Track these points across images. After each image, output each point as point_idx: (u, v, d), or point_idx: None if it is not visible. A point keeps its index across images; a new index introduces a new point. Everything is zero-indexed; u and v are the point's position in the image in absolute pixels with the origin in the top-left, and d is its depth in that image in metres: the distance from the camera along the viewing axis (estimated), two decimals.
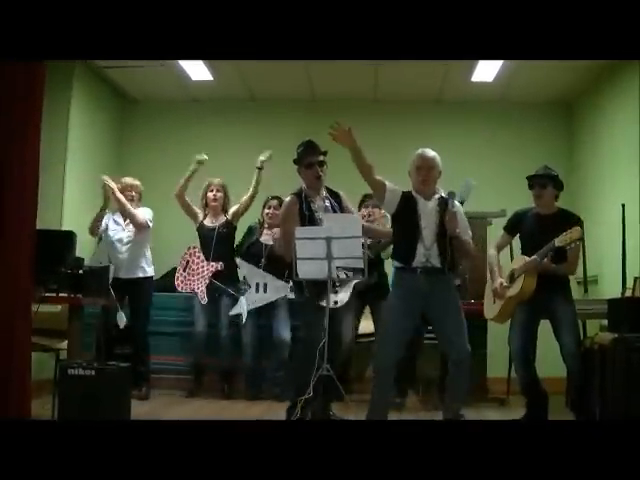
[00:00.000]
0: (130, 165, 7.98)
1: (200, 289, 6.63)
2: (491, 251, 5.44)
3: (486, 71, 7.17)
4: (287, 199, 5.23)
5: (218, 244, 6.71)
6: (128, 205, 6.44)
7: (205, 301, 6.61)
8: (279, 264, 6.01)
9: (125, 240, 6.53)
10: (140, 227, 6.50)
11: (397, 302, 4.64)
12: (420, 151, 4.71)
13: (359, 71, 7.29)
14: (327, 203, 5.15)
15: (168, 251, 7.19)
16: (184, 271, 6.72)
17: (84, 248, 6.23)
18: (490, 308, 5.45)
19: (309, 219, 5.03)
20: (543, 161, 5.39)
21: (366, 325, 6.55)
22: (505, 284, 5.20)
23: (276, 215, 6.55)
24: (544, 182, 5.16)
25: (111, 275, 5.93)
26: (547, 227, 5.03)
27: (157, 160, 8.10)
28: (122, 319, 5.94)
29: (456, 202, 4.65)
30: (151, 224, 6.59)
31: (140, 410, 5.40)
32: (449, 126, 8.10)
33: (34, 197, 4.22)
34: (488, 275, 5.43)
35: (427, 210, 4.61)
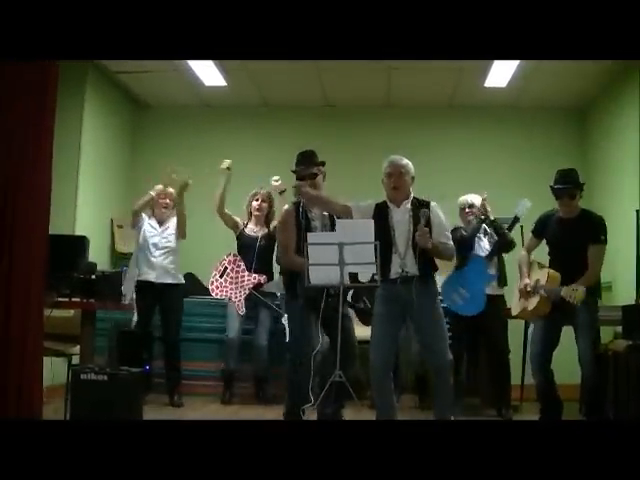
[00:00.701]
0: (143, 170, 7.98)
1: (238, 298, 6.56)
2: (522, 252, 5.49)
3: (499, 76, 7.14)
4: (283, 208, 5.34)
5: (260, 255, 6.63)
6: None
7: (243, 311, 6.54)
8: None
9: (160, 245, 6.50)
10: (184, 236, 6.56)
11: (382, 311, 4.64)
12: (390, 158, 4.72)
13: (372, 76, 7.29)
14: (325, 212, 5.16)
15: (181, 256, 7.20)
16: (220, 277, 6.63)
17: (96, 253, 6.25)
18: (516, 305, 5.47)
19: (305, 228, 5.04)
20: (555, 166, 5.34)
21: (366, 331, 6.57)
22: (529, 288, 5.20)
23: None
24: (574, 192, 5.10)
25: (135, 277, 6.03)
26: (570, 231, 5.02)
27: (170, 164, 8.10)
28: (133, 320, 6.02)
29: (437, 211, 4.66)
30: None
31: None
32: (462, 131, 8.08)
33: (47, 202, 4.23)
34: (517, 274, 5.44)
35: (399, 218, 4.62)
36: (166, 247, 6.51)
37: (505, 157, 8.02)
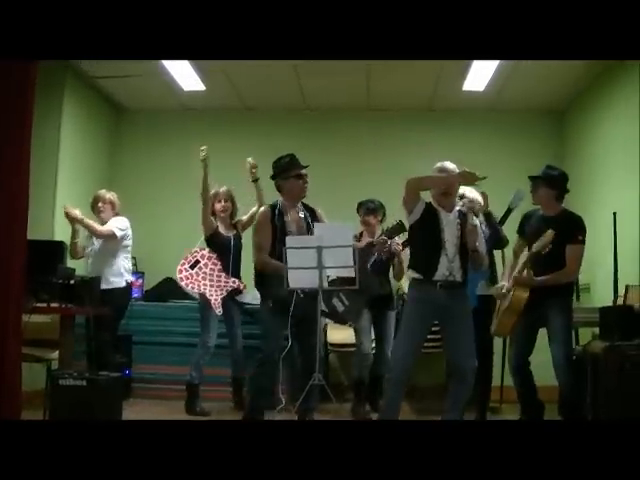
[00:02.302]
0: (122, 174, 7.98)
1: (215, 298, 6.34)
2: (511, 256, 5.47)
3: (477, 80, 7.18)
4: (260, 210, 5.40)
5: (235, 256, 6.47)
6: (87, 221, 6.13)
7: (220, 312, 6.33)
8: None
9: (93, 252, 6.28)
10: (102, 237, 6.18)
11: (415, 314, 4.60)
12: (441, 164, 4.73)
13: (351, 79, 7.31)
14: (302, 215, 5.21)
15: (160, 260, 7.19)
16: (191, 268, 6.39)
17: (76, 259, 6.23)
18: (493, 322, 5.41)
19: (280, 229, 5.10)
20: (534, 169, 5.39)
21: (347, 336, 6.57)
22: (504, 290, 5.19)
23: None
24: (536, 183, 5.19)
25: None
26: (550, 228, 4.97)
27: (149, 169, 8.11)
28: None
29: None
30: (121, 233, 6.23)
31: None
32: (441, 134, 8.10)
33: (25, 206, 4.19)
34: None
35: (449, 223, 4.60)
36: (96, 253, 6.29)
37: (484, 160, 8.00)
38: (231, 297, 6.42)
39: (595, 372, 5.01)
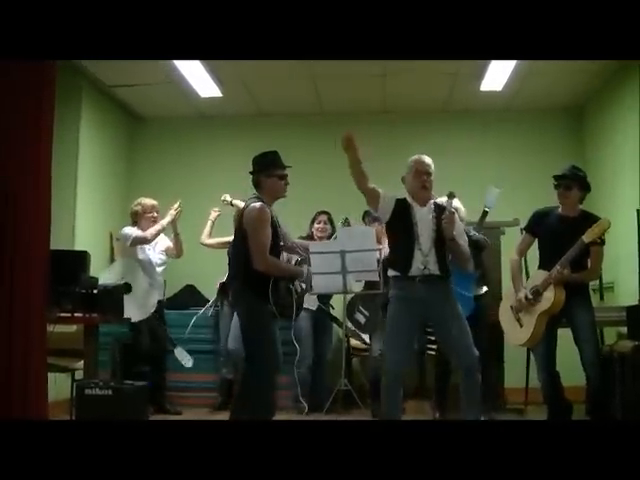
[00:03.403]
0: (140, 183, 7.98)
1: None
2: (514, 257, 5.29)
3: (495, 80, 7.15)
4: (257, 206, 4.65)
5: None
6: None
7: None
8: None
9: (159, 262, 6.52)
10: (180, 255, 6.62)
11: (398, 313, 4.56)
12: (417, 156, 4.68)
13: (367, 83, 7.29)
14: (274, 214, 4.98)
15: (181, 267, 7.18)
16: None
17: (95, 267, 6.23)
18: (516, 333, 5.20)
19: (275, 230, 4.70)
20: (552, 168, 5.34)
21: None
22: (530, 297, 5.02)
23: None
24: (569, 183, 5.07)
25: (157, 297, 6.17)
26: (570, 229, 4.93)
27: (167, 177, 8.11)
28: (188, 358, 6.13)
29: (454, 203, 4.61)
30: None
31: None
32: (458, 135, 8.08)
33: (47, 217, 4.19)
34: (511, 285, 5.27)
35: (423, 216, 4.57)
36: (164, 264, 6.58)
37: (502, 160, 8.01)
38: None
39: (623, 372, 4.96)
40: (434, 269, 4.49)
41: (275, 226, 4.72)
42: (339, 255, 4.60)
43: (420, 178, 4.61)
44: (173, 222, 6.43)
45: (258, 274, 4.53)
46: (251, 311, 4.64)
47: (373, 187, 4.58)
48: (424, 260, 4.47)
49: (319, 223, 6.63)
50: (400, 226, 4.55)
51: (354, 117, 8.01)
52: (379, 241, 5.63)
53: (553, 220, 5.14)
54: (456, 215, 4.58)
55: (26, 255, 4.03)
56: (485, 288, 5.94)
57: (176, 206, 6.41)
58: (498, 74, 6.98)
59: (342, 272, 4.62)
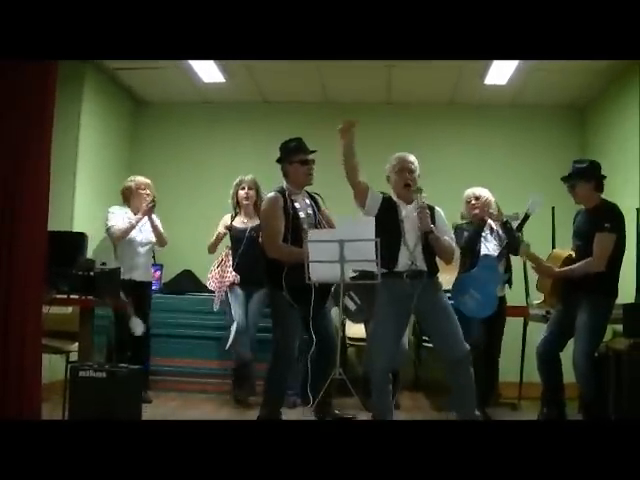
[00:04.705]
0: (142, 167, 7.93)
1: (219, 293, 6.40)
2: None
3: (500, 74, 7.11)
4: (270, 196, 5.09)
5: (247, 248, 6.29)
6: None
7: (217, 308, 6.39)
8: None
9: (144, 242, 6.33)
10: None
11: (385, 308, 4.59)
12: (400, 155, 4.73)
13: (372, 73, 7.26)
14: (308, 202, 5.11)
15: (178, 252, 7.18)
16: (216, 268, 6.47)
17: (95, 250, 6.23)
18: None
19: (293, 217, 4.96)
20: (555, 164, 5.34)
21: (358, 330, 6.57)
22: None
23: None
24: (572, 182, 5.08)
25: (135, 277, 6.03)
26: (584, 220, 5.00)
27: (169, 162, 8.09)
28: (139, 325, 5.89)
29: (441, 214, 4.72)
30: None
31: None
32: (462, 128, 8.06)
33: (46, 198, 4.21)
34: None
35: (409, 214, 4.61)
36: (149, 244, 6.41)
37: (505, 155, 8.00)
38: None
39: (618, 369, 4.95)
40: (421, 264, 4.54)
41: (290, 213, 4.81)
42: (337, 244, 4.57)
43: (402, 176, 4.66)
44: (149, 216, 6.24)
45: (273, 262, 4.87)
46: (270, 298, 5.09)
47: (363, 182, 4.62)
48: (411, 256, 4.54)
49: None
50: (386, 223, 4.57)
51: (358, 107, 7.98)
52: None
53: (579, 216, 5.20)
54: (440, 219, 4.67)
55: (25, 236, 4.05)
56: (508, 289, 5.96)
57: (148, 203, 6.21)
58: (503, 68, 6.94)
59: (340, 261, 4.60)
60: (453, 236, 4.84)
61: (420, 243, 4.55)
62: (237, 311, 6.29)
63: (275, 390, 4.96)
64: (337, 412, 5.22)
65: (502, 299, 5.77)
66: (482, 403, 5.73)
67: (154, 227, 6.33)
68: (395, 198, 4.68)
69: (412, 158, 4.70)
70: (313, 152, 5.15)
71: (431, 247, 4.57)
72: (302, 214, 5.03)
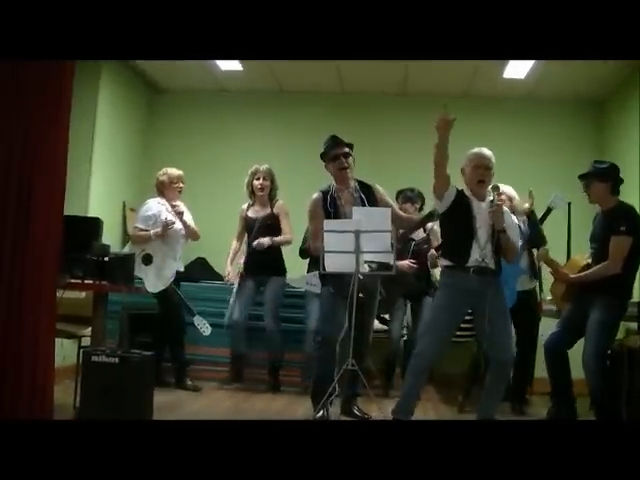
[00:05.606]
0: (157, 155, 7.94)
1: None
2: None
3: (518, 68, 7.08)
4: (312, 196, 5.25)
5: (257, 237, 6.40)
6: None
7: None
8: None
9: (181, 233, 6.40)
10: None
11: (447, 301, 4.58)
12: (478, 150, 4.69)
13: (389, 65, 7.21)
14: (357, 196, 5.11)
15: (191, 242, 7.18)
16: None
17: (108, 236, 6.22)
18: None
19: (334, 215, 5.05)
20: (571, 159, 5.31)
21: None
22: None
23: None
24: (587, 182, 5.07)
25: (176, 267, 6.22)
26: (600, 223, 4.98)
27: (185, 150, 8.07)
28: (206, 325, 6.16)
29: (508, 191, 4.92)
30: None
31: (192, 405, 5.59)
32: (478, 122, 7.98)
33: (62, 183, 4.23)
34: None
35: (481, 211, 4.56)
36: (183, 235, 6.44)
37: (521, 148, 7.94)
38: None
39: (633, 368, 4.92)
40: (490, 262, 4.51)
41: (330, 211, 5.05)
42: (353, 235, 4.56)
43: (477, 172, 4.62)
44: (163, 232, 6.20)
45: (316, 259, 5.17)
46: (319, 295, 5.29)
47: (447, 174, 4.57)
48: (481, 253, 4.49)
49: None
50: (459, 218, 4.55)
51: (374, 98, 7.96)
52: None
53: (595, 221, 5.17)
54: (509, 218, 4.63)
55: (41, 221, 4.06)
56: (536, 282, 5.92)
57: (166, 224, 6.17)
58: (522, 62, 6.90)
59: (356, 252, 4.59)
60: (520, 240, 4.85)
61: (490, 241, 4.50)
62: (235, 305, 6.43)
63: (322, 374, 5.01)
64: (356, 411, 5.21)
65: (530, 292, 5.75)
66: (516, 399, 5.73)
67: (185, 226, 6.39)
68: (468, 193, 4.63)
69: (489, 154, 4.66)
70: (343, 145, 5.17)
71: (498, 246, 4.53)
72: (346, 210, 5.05)
